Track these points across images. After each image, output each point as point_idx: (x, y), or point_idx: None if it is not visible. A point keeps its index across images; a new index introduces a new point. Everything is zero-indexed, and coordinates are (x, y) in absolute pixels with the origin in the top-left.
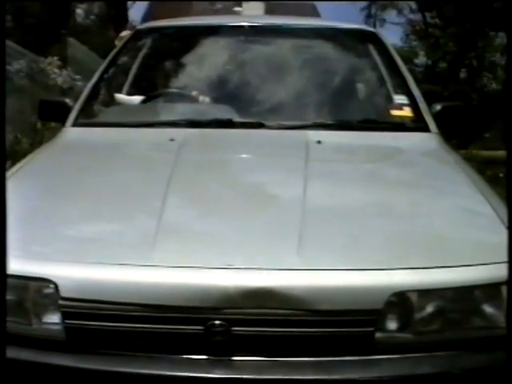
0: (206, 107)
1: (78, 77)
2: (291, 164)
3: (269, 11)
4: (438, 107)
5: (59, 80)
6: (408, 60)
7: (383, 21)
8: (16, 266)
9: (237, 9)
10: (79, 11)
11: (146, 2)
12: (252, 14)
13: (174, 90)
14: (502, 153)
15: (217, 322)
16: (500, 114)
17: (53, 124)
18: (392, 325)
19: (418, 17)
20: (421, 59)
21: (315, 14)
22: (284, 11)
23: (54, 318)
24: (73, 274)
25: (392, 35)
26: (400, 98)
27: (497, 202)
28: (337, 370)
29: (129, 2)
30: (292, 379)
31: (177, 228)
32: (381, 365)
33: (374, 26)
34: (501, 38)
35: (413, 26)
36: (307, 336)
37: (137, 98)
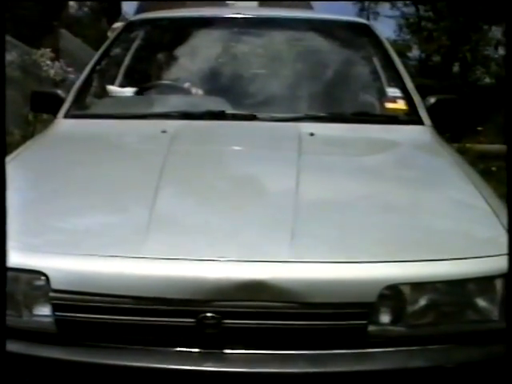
0: (198, 99)
1: (70, 69)
2: (284, 156)
3: (262, 4)
4: (432, 100)
5: (51, 72)
6: (401, 53)
7: (377, 14)
8: (7, 257)
9: (230, 2)
10: (72, 3)
11: None
12: (245, 6)
13: (167, 82)
14: (495, 147)
15: (208, 314)
16: (493, 108)
17: (45, 116)
18: (385, 318)
19: (411, 10)
20: (414, 53)
21: (308, 6)
22: (277, 4)
23: (44, 311)
24: (64, 265)
25: (385, 28)
26: (393, 91)
27: (490, 195)
28: (329, 363)
29: None
30: (284, 372)
31: (168, 220)
32: (374, 358)
33: (368, 20)
34: (494, 32)
35: (406, 20)
36: (299, 329)
37: (129, 90)
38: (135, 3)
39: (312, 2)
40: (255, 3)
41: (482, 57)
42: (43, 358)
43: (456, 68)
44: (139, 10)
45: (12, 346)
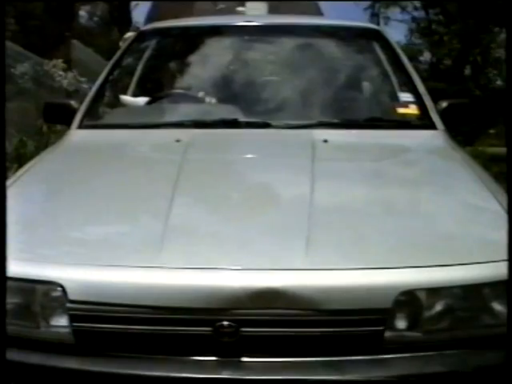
0: (211, 107)
1: (83, 79)
2: (298, 163)
3: (272, 11)
4: (444, 104)
5: (64, 82)
6: (412, 57)
7: (387, 19)
8: (23, 269)
9: (240, 9)
10: (82, 13)
11: (149, 3)
12: (255, 14)
13: (179, 91)
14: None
15: (225, 322)
16: (505, 110)
17: (58, 126)
18: (401, 323)
19: (421, 14)
20: (425, 56)
21: (318, 13)
22: (287, 11)
23: (61, 321)
24: (80, 276)
25: (396, 33)
26: (406, 96)
27: (504, 198)
28: (347, 369)
29: (132, 4)
30: (301, 379)
31: (184, 229)
32: (390, 364)
33: (378, 25)
34: (505, 34)
35: (417, 24)
36: (316, 336)
37: (142, 100)
38: (145, 11)
39: (322, 8)
40: (265, 9)
41: (493, 59)
42: (61, 369)
43: (468, 71)
44: (149, 18)
45: (29, 358)
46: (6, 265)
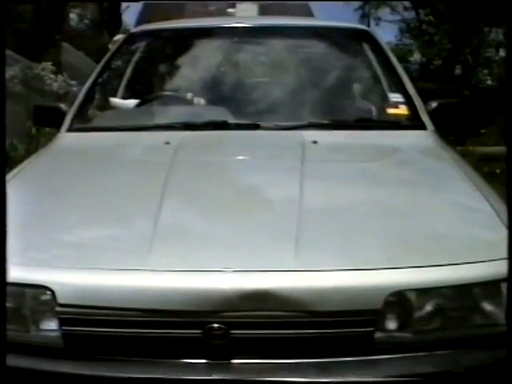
0: (200, 109)
1: (73, 82)
2: (287, 165)
3: (262, 12)
4: (434, 104)
5: (55, 85)
6: (403, 58)
7: (378, 19)
8: (12, 272)
9: (230, 10)
10: (73, 16)
11: (139, 6)
12: (245, 15)
13: (169, 93)
14: (498, 149)
15: (215, 325)
16: (496, 110)
17: (48, 129)
18: (391, 324)
19: (412, 14)
20: (416, 57)
21: (309, 14)
22: (277, 12)
23: (51, 325)
24: (69, 280)
25: (387, 33)
26: (395, 96)
27: (494, 198)
28: (337, 371)
29: (122, 7)
30: (292, 381)
31: (173, 231)
32: (381, 365)
33: (369, 25)
34: (495, 34)
35: (407, 24)
36: (306, 337)
37: (131, 102)
38: (136, 13)
39: (312, 9)
40: (255, 10)
41: (483, 59)
42: (51, 373)
43: (458, 71)
44: (140, 20)
45: (19, 361)
46: (5, 271)
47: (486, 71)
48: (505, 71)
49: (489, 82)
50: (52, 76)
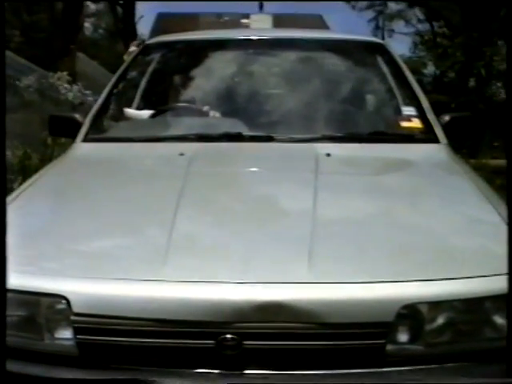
0: (215, 121)
1: (88, 92)
2: (301, 177)
3: (276, 24)
4: (447, 118)
5: (70, 95)
6: (416, 70)
7: (391, 31)
8: (27, 281)
9: (244, 21)
10: (87, 25)
11: (153, 16)
12: (260, 27)
13: (184, 104)
14: None
15: (228, 336)
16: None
17: (63, 139)
18: (403, 337)
19: (425, 27)
20: (429, 69)
21: (323, 26)
22: (292, 23)
23: (66, 334)
24: (85, 289)
25: (400, 45)
26: (409, 110)
27: (506, 212)
28: (349, 382)
29: (137, 16)
30: None
31: (188, 242)
32: (392, 377)
33: (383, 37)
34: None
35: (421, 36)
36: (318, 349)
37: (146, 113)
38: (150, 23)
39: (326, 21)
40: (269, 22)
41: (497, 71)
42: (65, 381)
43: (472, 83)
44: (154, 31)
45: (34, 370)
46: (5, 276)
47: (499, 84)
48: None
49: (502, 94)
50: (67, 86)
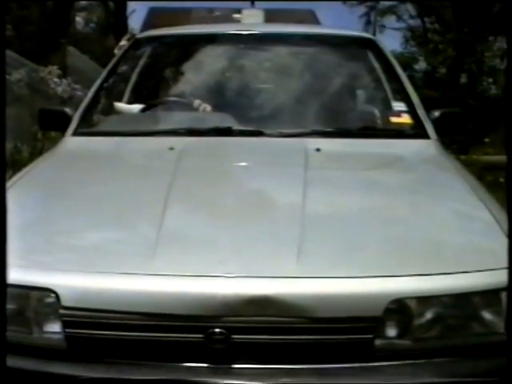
0: (205, 115)
1: (77, 86)
2: (290, 172)
3: (268, 18)
4: (437, 114)
5: (59, 89)
6: (408, 66)
7: (383, 27)
8: (17, 275)
9: (236, 16)
10: (79, 19)
11: (145, 10)
12: (251, 22)
13: (174, 99)
14: (502, 158)
15: (217, 330)
16: (499, 119)
17: (53, 133)
18: (391, 332)
19: (417, 22)
20: (420, 65)
21: (315, 21)
22: (283, 19)
23: (54, 327)
24: (73, 283)
25: (392, 41)
26: (399, 105)
27: (495, 207)
28: (337, 376)
29: (128, 10)
30: None
31: (177, 237)
32: (380, 371)
33: (374, 33)
34: (500, 43)
35: (412, 32)
36: (307, 343)
37: (136, 107)
38: (141, 18)
39: (318, 16)
40: (261, 17)
41: (488, 67)
42: (54, 375)
43: (463, 79)
44: (145, 26)
45: (22, 363)
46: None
47: (490, 80)
48: (505, 77)
49: (493, 90)
50: (56, 80)
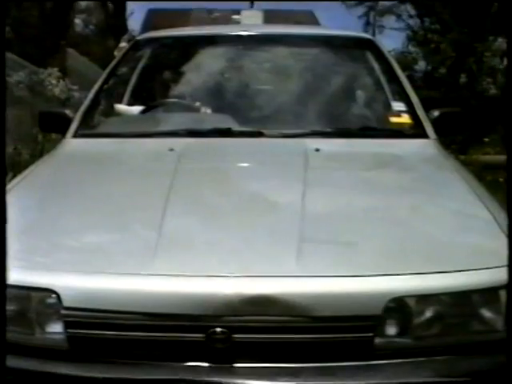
0: (205, 116)
1: (75, 87)
2: (290, 172)
3: (267, 20)
4: (436, 113)
5: (56, 91)
6: (408, 66)
7: (382, 27)
8: (18, 276)
9: (235, 17)
10: (78, 21)
11: (144, 12)
12: (250, 23)
13: (174, 100)
14: (501, 157)
15: (218, 329)
16: (499, 118)
17: (53, 135)
18: (391, 330)
19: (417, 22)
20: (420, 65)
21: (314, 22)
22: (283, 19)
23: (56, 328)
24: (75, 283)
25: (391, 41)
26: (398, 105)
27: (495, 207)
28: (337, 375)
29: (128, 12)
30: None
31: (177, 237)
32: (381, 370)
33: (374, 33)
34: (500, 43)
35: (412, 32)
36: (307, 342)
37: (136, 108)
38: (141, 19)
39: (317, 16)
40: (260, 18)
41: (488, 67)
42: (56, 375)
43: (463, 79)
44: (145, 26)
45: (24, 364)
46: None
47: (490, 80)
48: (505, 77)
49: (493, 90)
50: (54, 81)
